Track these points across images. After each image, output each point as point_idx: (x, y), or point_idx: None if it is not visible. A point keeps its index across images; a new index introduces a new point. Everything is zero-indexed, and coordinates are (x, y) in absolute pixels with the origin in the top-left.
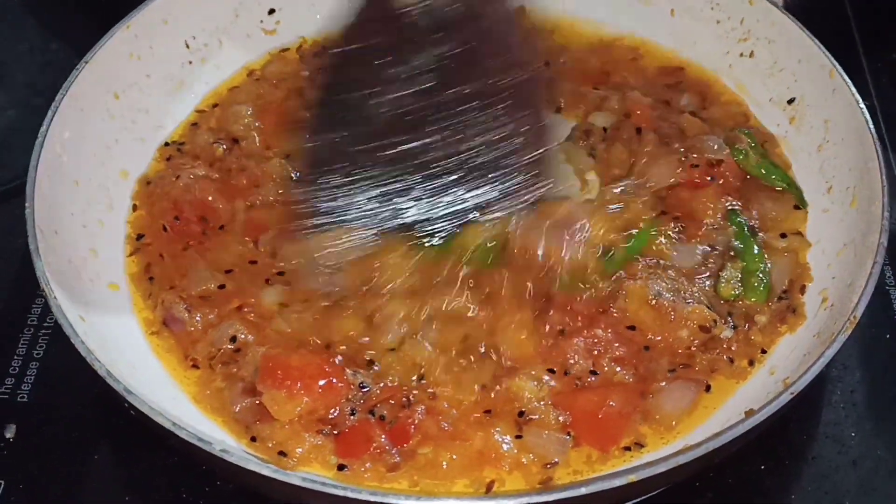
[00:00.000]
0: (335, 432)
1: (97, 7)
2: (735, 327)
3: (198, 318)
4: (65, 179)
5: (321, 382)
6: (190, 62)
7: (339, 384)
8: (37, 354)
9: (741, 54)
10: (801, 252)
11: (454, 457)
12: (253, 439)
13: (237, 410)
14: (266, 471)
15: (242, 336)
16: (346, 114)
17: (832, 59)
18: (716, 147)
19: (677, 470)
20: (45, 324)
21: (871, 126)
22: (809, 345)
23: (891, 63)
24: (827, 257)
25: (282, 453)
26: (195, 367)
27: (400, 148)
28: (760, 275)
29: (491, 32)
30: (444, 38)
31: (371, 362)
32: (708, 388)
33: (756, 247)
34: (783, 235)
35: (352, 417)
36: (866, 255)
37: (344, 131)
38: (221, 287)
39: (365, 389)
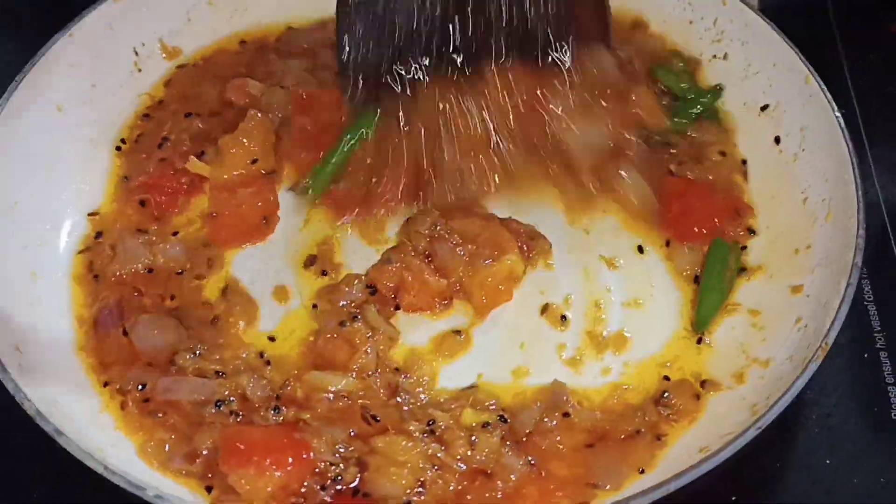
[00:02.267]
0: None
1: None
2: None
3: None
4: (1, 200)
5: (290, 456)
6: (140, 70)
7: (309, 456)
8: None
9: (714, 56)
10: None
11: None
12: (209, 489)
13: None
14: None
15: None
16: None
17: (807, 63)
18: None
19: None
20: None
21: (847, 136)
22: (782, 369)
23: (872, 64)
24: (802, 274)
25: None
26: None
27: None
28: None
29: None
30: None
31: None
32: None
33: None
34: (722, 154)
35: (323, 492)
36: (841, 274)
37: None
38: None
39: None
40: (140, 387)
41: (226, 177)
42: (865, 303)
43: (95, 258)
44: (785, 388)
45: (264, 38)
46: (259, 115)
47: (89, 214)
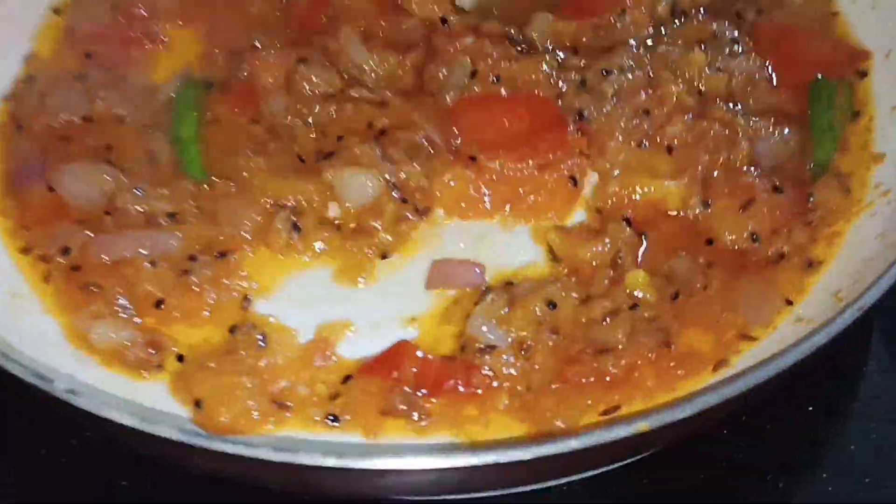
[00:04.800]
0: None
1: None
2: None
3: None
4: None
5: None
6: None
7: None
8: None
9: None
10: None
11: None
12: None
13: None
14: None
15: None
16: None
17: None
18: None
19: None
20: None
21: None
22: (870, 248)
23: None
24: None
25: None
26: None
27: None
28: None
29: None
30: None
31: None
32: None
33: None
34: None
35: None
36: None
37: None
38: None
39: None
40: (64, 250)
41: None
42: None
43: (21, 106)
44: (885, 266)
45: None
46: None
47: (24, 58)
